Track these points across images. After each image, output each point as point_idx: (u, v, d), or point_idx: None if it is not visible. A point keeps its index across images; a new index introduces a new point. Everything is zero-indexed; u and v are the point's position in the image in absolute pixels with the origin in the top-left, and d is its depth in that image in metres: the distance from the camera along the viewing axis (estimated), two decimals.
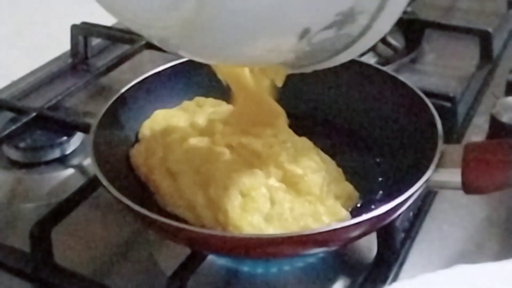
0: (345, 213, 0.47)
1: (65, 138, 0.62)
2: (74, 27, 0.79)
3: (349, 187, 0.50)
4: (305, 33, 0.37)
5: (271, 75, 0.48)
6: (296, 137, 0.52)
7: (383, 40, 0.74)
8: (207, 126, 0.52)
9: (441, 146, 0.46)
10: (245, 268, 0.48)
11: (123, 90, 0.55)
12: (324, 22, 0.37)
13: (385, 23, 0.39)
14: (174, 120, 0.55)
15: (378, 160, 0.54)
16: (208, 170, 0.48)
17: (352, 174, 0.51)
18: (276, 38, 0.38)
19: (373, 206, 0.49)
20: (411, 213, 0.51)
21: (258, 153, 0.49)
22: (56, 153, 0.62)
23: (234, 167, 0.48)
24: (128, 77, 0.57)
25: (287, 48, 0.40)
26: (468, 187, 0.46)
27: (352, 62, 0.45)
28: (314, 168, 0.49)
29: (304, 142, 0.52)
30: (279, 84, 0.48)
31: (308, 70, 0.47)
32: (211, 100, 0.57)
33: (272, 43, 0.39)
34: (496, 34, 0.77)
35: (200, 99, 0.58)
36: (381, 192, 0.51)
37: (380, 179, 0.52)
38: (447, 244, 0.50)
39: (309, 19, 0.36)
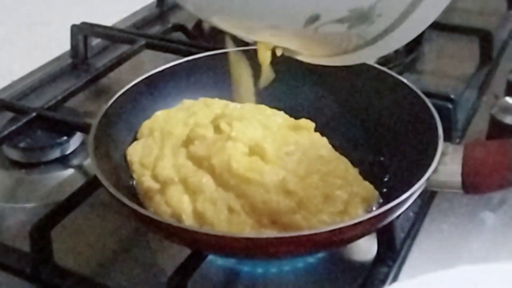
0: None
1: (65, 138, 0.62)
2: (74, 27, 0.79)
3: (369, 187, 0.49)
4: (313, 19, 0.35)
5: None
6: (317, 137, 0.52)
7: None
8: (219, 125, 0.51)
9: (441, 146, 0.46)
10: (245, 268, 0.48)
11: (123, 90, 0.55)
12: (336, 14, 0.35)
13: (406, 34, 0.37)
14: (173, 122, 0.54)
15: (382, 159, 0.54)
16: (196, 182, 0.47)
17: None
18: (283, 18, 0.36)
19: (381, 201, 0.49)
20: (411, 213, 0.51)
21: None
22: (56, 153, 0.62)
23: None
24: (128, 77, 0.57)
25: (291, 31, 0.37)
26: (468, 187, 0.46)
27: None
28: (340, 185, 0.48)
29: (323, 142, 0.52)
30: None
31: (311, 61, 0.45)
32: (217, 101, 0.57)
33: (278, 20, 0.36)
34: (496, 34, 0.76)
35: (207, 100, 0.57)
36: (384, 190, 0.51)
37: (386, 179, 0.52)
38: (447, 244, 0.50)
39: (320, 3, 0.34)
